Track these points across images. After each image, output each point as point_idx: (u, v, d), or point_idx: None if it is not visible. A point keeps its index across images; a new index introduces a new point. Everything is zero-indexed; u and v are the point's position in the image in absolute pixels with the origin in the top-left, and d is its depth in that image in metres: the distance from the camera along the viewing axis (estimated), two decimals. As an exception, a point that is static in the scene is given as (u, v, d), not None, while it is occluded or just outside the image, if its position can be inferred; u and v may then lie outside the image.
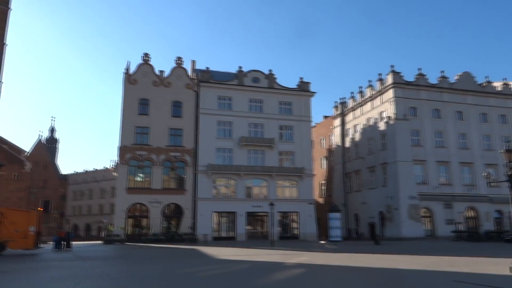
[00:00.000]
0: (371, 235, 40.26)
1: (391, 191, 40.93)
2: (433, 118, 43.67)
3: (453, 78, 45.92)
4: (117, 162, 39.56)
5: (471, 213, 42.57)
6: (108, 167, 73.91)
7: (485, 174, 15.37)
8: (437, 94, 44.35)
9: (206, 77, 41.83)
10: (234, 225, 39.38)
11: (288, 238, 40.25)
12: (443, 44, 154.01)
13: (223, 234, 39.35)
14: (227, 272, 13.77)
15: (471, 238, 35.99)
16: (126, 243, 34.21)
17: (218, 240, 37.14)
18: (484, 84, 46.63)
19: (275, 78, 43.61)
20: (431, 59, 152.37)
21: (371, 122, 46.46)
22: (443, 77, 45.34)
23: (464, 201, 41.95)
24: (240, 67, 42.91)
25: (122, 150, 37.93)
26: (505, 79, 47.90)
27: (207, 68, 43.46)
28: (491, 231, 38.45)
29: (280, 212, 39.91)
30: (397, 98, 42.53)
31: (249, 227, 40.23)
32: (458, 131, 44.13)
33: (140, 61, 40.64)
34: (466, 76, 46.21)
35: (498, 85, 47.45)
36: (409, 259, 17.63)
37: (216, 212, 39.40)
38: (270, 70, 43.52)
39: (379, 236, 36.07)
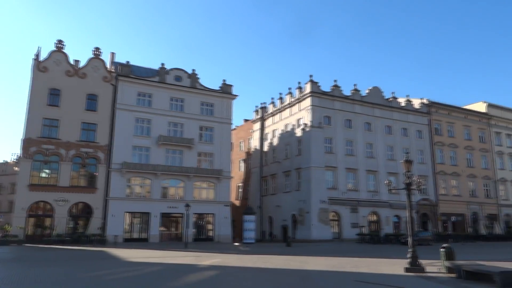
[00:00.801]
0: (284, 237, 41.61)
1: (304, 195, 42.73)
2: (345, 128, 46.50)
3: (364, 91, 49.43)
4: (20, 156, 36.16)
5: (373, 217, 46.04)
6: (9, 160, 67.33)
7: (387, 182, 16.77)
8: (349, 105, 47.33)
9: (126, 71, 40.10)
10: (148, 226, 38.14)
11: (203, 240, 40.03)
12: (358, 60, 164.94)
13: (135, 236, 37.89)
14: (136, 275, 13.30)
15: (373, 241, 38.92)
16: (25, 245, 31.36)
17: (129, 242, 35.66)
18: (390, 99, 50.84)
19: (197, 78, 43.24)
20: (346, 73, 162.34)
21: (289, 128, 48.14)
22: (356, 90, 48.57)
23: (368, 206, 45.24)
24: (162, 64, 41.85)
25: (26, 142, 34.77)
26: (408, 96, 52.78)
27: (127, 62, 41.70)
28: (390, 234, 41.97)
29: (195, 213, 39.56)
30: (313, 107, 44.60)
31: (163, 229, 39.25)
32: (366, 141, 47.50)
33: (53, 48, 37.72)
34: (376, 91, 50.01)
35: (402, 100, 52.05)
36: (317, 260, 18.55)
37: (128, 212, 37.84)
38: (193, 70, 43.05)
39: (291, 238, 37.47)
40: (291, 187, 45.66)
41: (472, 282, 11.02)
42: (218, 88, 44.10)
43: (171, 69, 42.13)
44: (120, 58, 52.05)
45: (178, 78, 42.13)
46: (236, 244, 36.91)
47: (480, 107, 58.64)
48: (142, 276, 13.07)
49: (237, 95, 44.51)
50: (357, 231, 41.80)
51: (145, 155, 39.35)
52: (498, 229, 52.10)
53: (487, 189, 55.17)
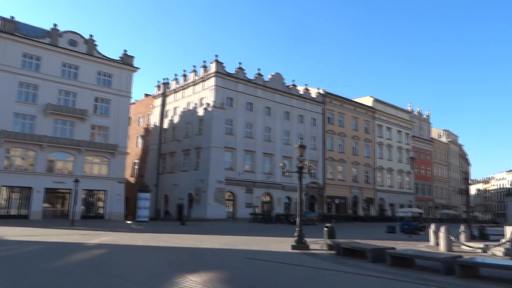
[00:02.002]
0: (179, 216, 41.47)
1: (202, 175, 42.87)
2: (246, 110, 47.45)
3: (267, 77, 50.82)
4: None
5: (267, 198, 48.19)
6: None
7: (281, 164, 17.60)
8: (252, 89, 48.33)
9: (10, 27, 35.49)
10: (29, 202, 34.90)
11: (92, 217, 37.93)
12: (263, 46, 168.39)
13: (13, 212, 34.40)
14: (14, 255, 12.15)
15: (265, 220, 40.78)
16: None
17: (6, 219, 32.22)
18: (290, 86, 53.09)
19: (95, 45, 40.15)
20: (251, 57, 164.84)
21: (191, 106, 47.55)
22: (259, 74, 49.67)
23: (262, 187, 47.15)
24: (55, 25, 37.95)
25: None
26: (306, 85, 55.68)
27: (12, 17, 36.87)
28: (281, 214, 44.38)
29: (85, 189, 37.27)
30: (217, 87, 44.60)
31: (47, 205, 36.27)
32: (265, 124, 49.12)
33: None
34: (278, 77, 51.77)
35: (300, 89, 54.72)
36: (210, 239, 18.89)
37: (6, 186, 34.16)
38: (91, 36, 39.87)
39: (185, 217, 37.48)
40: (189, 166, 45.44)
41: (348, 258, 12.23)
42: (118, 59, 41.54)
43: (65, 32, 38.51)
44: (5, 13, 45.76)
45: (72, 43, 38.67)
46: (129, 222, 35.76)
47: (368, 101, 64.37)
48: (21, 255, 11.97)
49: (138, 68, 42.52)
50: (251, 211, 43.37)
51: (30, 124, 35.70)
52: (374, 211, 58.57)
53: (367, 175, 61.22)
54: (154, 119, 53.22)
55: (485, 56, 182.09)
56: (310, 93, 55.13)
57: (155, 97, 54.21)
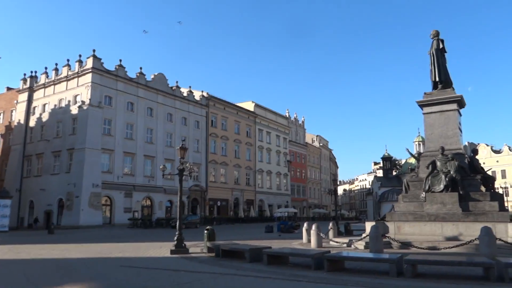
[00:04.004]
0: (47, 224, 37.44)
1: (75, 178, 39.44)
2: (126, 111, 45.17)
3: (149, 76, 49.14)
4: None
5: (147, 202, 46.50)
6: None
7: (162, 167, 17.08)
8: (133, 88, 46.22)
9: None
10: None
11: None
12: (143, 44, 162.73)
13: None
14: None
15: (145, 225, 39.26)
16: None
17: None
18: (174, 87, 52.20)
19: None
20: (133, 54, 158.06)
21: (64, 104, 43.52)
22: (141, 73, 47.77)
23: (143, 191, 45.36)
24: None
25: None
26: (190, 87, 55.36)
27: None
28: (162, 218, 43.25)
29: None
30: (94, 84, 41.59)
31: None
32: (147, 126, 47.38)
33: None
34: (161, 77, 50.44)
35: (184, 91, 54.17)
36: (82, 248, 17.41)
37: None
38: None
39: (54, 225, 34.07)
40: (60, 169, 41.52)
41: (227, 259, 12.35)
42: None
43: None
44: None
45: None
46: (-18, 233, 31.08)
47: (249, 106, 66.68)
48: None
49: (-2, 57, 37.37)
50: (130, 216, 41.38)
51: None
52: (254, 212, 60.80)
53: (248, 178, 63.30)
54: (19, 116, 47.38)
55: (352, 64, 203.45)
56: (194, 96, 54.95)
57: (20, 91, 48.28)
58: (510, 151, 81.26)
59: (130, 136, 45.24)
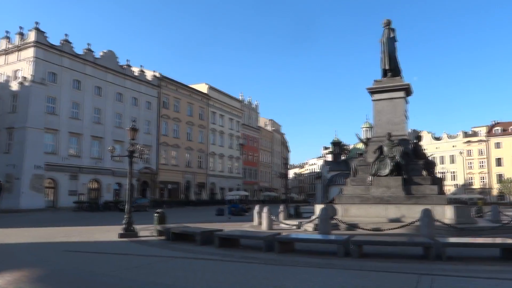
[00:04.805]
0: (-17, 207, 35.12)
1: (15, 159, 37.19)
2: (72, 89, 42.96)
3: (98, 53, 46.86)
4: None
5: (94, 185, 44.91)
6: None
7: (110, 148, 16.44)
8: (80, 65, 43.94)
9: None
10: None
11: None
12: (92, 19, 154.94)
13: None
14: None
15: (91, 208, 37.98)
16: None
17: None
18: (124, 66, 50.23)
19: None
20: (80, 30, 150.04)
21: (2, 79, 40.57)
22: (89, 50, 45.45)
23: (90, 173, 43.71)
24: None
25: None
26: (142, 66, 53.56)
27: None
28: (110, 201, 42.03)
29: None
30: (37, 59, 39.06)
31: None
32: (95, 105, 45.40)
33: None
34: (110, 55, 48.29)
35: (135, 70, 52.30)
36: (22, 232, 16.52)
37: None
38: None
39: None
40: (-2, 149, 38.93)
41: (178, 243, 12.21)
42: None
43: None
44: None
45: None
46: None
47: (203, 88, 65.77)
48: None
49: None
50: (75, 199, 39.86)
51: None
52: (205, 195, 60.61)
53: (200, 161, 62.85)
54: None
55: (304, 49, 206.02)
56: (145, 75, 53.26)
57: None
58: (449, 138, 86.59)
59: (77, 116, 43.19)
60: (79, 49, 44.28)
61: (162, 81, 55.51)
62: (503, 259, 8.77)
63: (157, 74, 55.07)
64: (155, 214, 14.71)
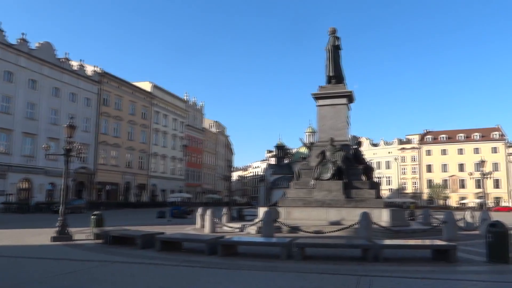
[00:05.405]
0: None
1: None
2: (3, 81, 39.93)
3: (34, 44, 43.97)
4: None
5: (25, 185, 41.99)
6: None
7: (45, 145, 15.43)
8: (13, 56, 40.96)
9: None
10: None
11: None
12: (28, 7, 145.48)
13: None
14: None
15: (21, 210, 35.51)
16: None
17: None
18: (63, 59, 47.55)
19: None
20: (15, 18, 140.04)
21: None
22: (24, 40, 42.51)
23: (20, 172, 40.81)
24: None
25: None
26: (82, 60, 51.00)
27: None
28: (42, 202, 39.53)
29: None
30: (-38, 47, 35.88)
31: None
32: (28, 100, 42.51)
33: None
34: (47, 47, 45.51)
35: (75, 64, 49.68)
36: None
37: None
38: None
39: None
40: None
41: (117, 246, 11.69)
42: None
43: None
44: None
45: None
46: None
47: (147, 86, 64.00)
48: None
49: None
50: (3, 200, 37.05)
51: None
52: (146, 197, 58.88)
53: (141, 161, 61.02)
54: None
55: (251, 52, 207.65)
56: (85, 70, 50.81)
57: None
58: (385, 145, 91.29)
59: (7, 110, 40.18)
60: (12, 39, 41.37)
61: (103, 77, 53.24)
62: (434, 260, 9.33)
63: (98, 70, 52.73)
64: (92, 216, 14.01)
